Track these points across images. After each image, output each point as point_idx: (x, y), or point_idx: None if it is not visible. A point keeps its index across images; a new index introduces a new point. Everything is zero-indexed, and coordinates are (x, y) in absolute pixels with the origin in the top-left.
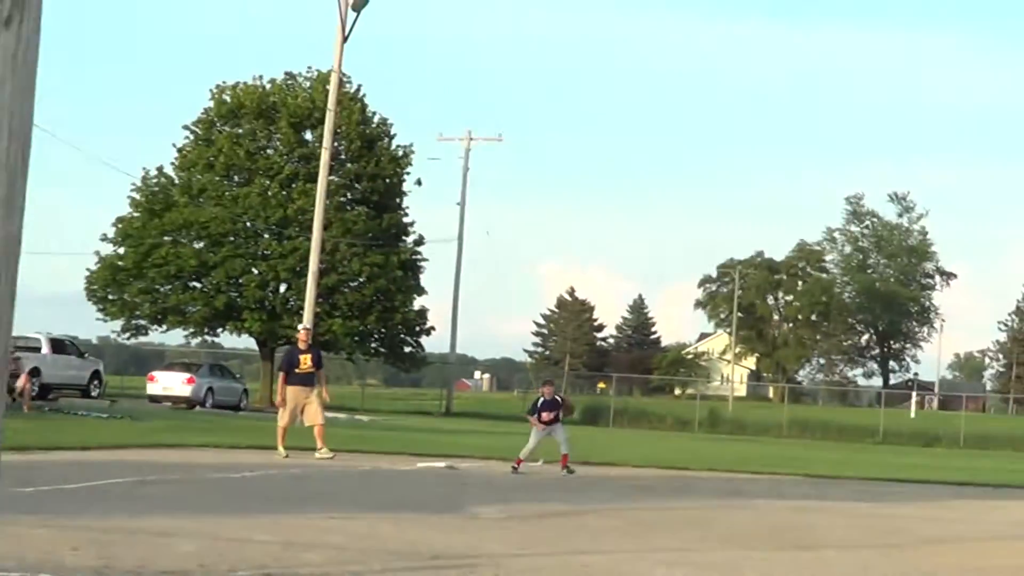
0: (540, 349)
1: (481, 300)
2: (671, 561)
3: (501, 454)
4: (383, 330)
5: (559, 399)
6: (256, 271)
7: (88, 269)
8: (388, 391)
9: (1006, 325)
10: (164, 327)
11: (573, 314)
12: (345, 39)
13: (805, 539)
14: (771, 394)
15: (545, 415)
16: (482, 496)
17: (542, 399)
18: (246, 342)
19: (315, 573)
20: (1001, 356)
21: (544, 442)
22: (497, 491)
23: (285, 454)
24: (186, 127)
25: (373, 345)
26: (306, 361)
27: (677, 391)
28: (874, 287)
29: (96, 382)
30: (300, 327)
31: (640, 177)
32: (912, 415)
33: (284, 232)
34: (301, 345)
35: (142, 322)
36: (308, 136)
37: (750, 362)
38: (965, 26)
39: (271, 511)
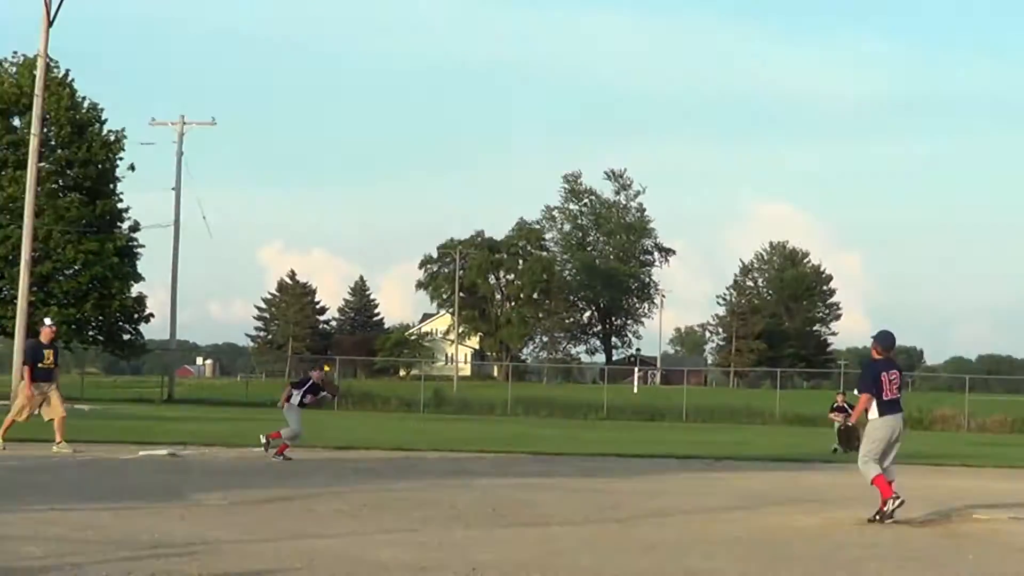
0: (262, 333)
1: (201, 286)
2: (397, 542)
3: (224, 440)
4: (101, 318)
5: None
6: None
7: None
8: (108, 379)
9: (724, 299)
10: None
11: (294, 297)
12: (50, 23)
13: (530, 516)
14: (495, 373)
15: (310, 398)
16: (205, 483)
17: (311, 383)
18: None
19: (35, 566)
20: (721, 330)
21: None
22: (220, 478)
23: (3, 446)
24: None
25: (91, 333)
26: (49, 356)
27: (402, 372)
28: (594, 264)
29: None
30: (47, 323)
31: (358, 159)
32: (635, 390)
33: None
34: (44, 340)
35: None
36: (16, 122)
37: (474, 342)
38: (675, 8)
39: None
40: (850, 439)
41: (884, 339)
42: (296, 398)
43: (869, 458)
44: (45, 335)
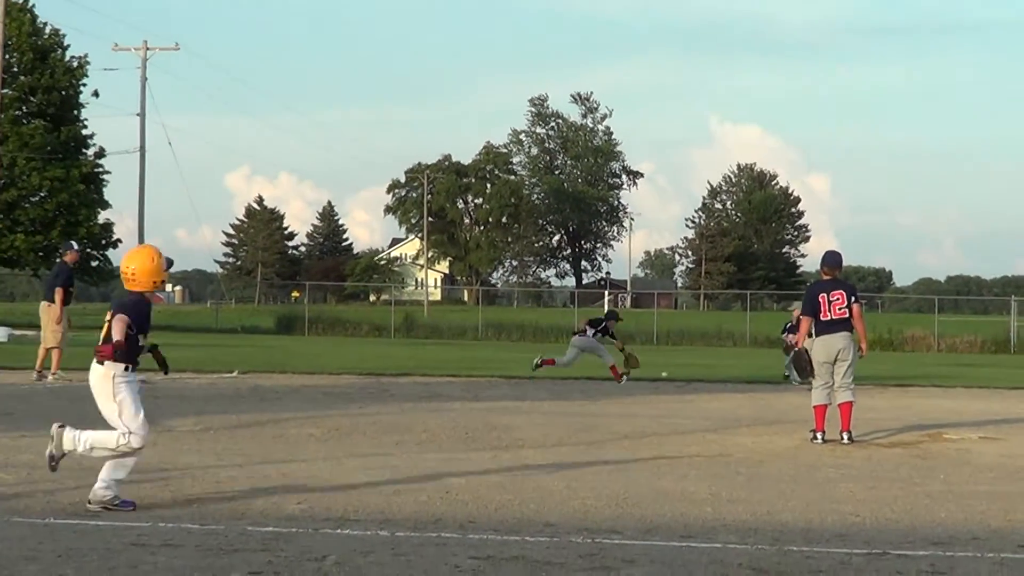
0: (231, 260)
1: (168, 212)
2: (369, 467)
3: (195, 366)
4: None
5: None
6: None
7: None
8: (78, 306)
9: (693, 222)
10: None
11: (263, 223)
12: None
13: (503, 439)
14: (466, 297)
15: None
16: (176, 409)
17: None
18: None
19: (6, 493)
20: (690, 253)
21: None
22: (191, 403)
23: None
24: None
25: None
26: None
27: (372, 297)
28: (563, 188)
29: None
30: (74, 247)
31: (323, 84)
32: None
33: None
34: (70, 262)
35: None
36: None
37: (443, 266)
38: None
39: None
40: (802, 367)
41: (828, 258)
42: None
43: (817, 383)
44: (71, 258)
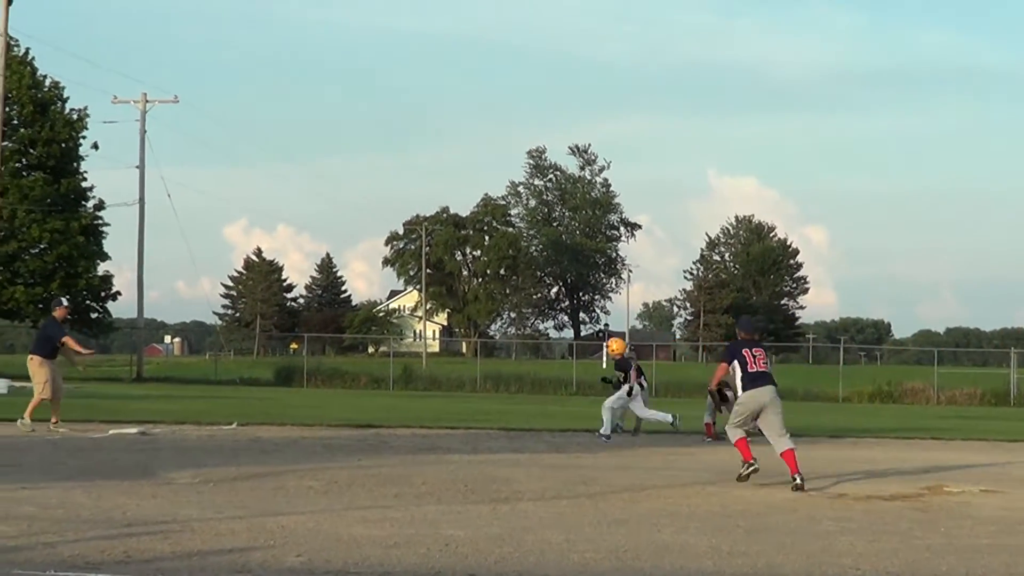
0: (230, 311)
1: (168, 264)
2: (369, 519)
3: (194, 418)
4: (67, 296)
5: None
6: None
7: None
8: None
9: (692, 274)
10: None
11: (261, 275)
12: (10, 2)
13: (502, 492)
14: (464, 349)
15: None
16: (175, 461)
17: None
18: None
19: (7, 545)
20: (688, 305)
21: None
22: (190, 456)
23: (32, 428)
24: None
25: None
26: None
27: (371, 349)
28: (561, 240)
29: None
30: (63, 303)
31: (321, 136)
32: (604, 365)
33: None
34: (59, 318)
35: None
36: None
37: (442, 318)
38: None
39: None
40: (719, 401)
41: (744, 325)
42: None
43: (733, 424)
44: (60, 314)
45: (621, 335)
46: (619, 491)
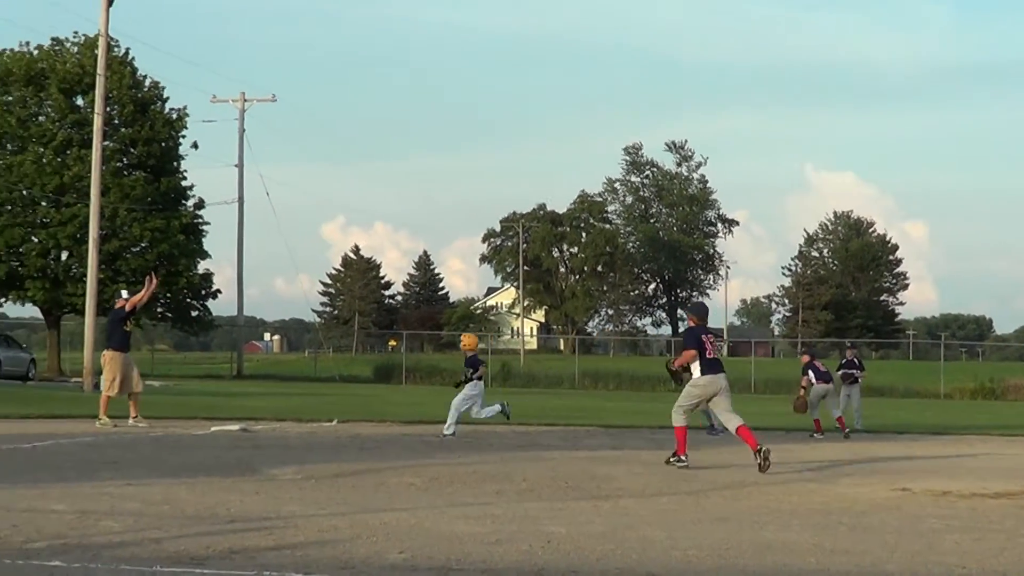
0: (328, 309)
1: (266, 262)
2: (470, 516)
3: (295, 415)
4: (168, 295)
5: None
6: (36, 239)
7: None
8: (178, 356)
9: (790, 270)
10: None
11: (359, 272)
12: (110, 3)
13: (602, 489)
14: (562, 346)
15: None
16: (277, 457)
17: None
18: (31, 311)
19: (113, 541)
20: (787, 301)
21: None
22: (292, 452)
23: (113, 424)
24: None
25: (159, 310)
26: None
27: None
28: (658, 236)
29: None
30: (123, 295)
31: (417, 133)
32: None
33: (62, 199)
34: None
35: None
36: (80, 102)
37: (539, 315)
38: None
39: (65, 480)
40: (678, 376)
41: (697, 309)
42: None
43: (682, 410)
44: (120, 304)
45: (719, 332)
46: (720, 488)
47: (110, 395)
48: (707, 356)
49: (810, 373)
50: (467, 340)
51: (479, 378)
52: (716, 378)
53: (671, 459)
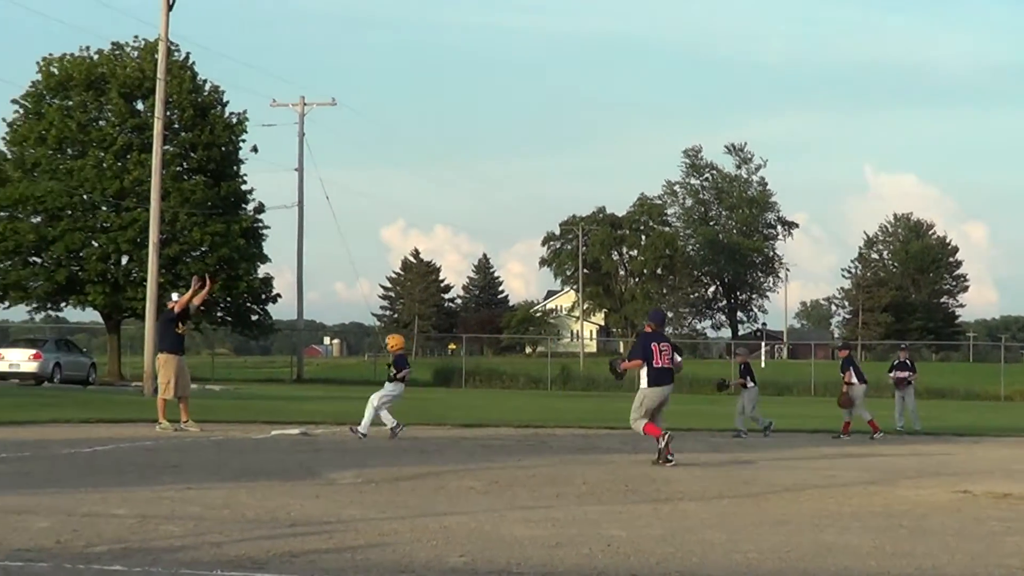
0: (388, 312)
1: (326, 265)
2: (530, 519)
3: (355, 419)
4: (229, 299)
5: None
6: (96, 244)
7: None
8: (238, 359)
9: (850, 272)
10: (6, 303)
11: (419, 276)
12: (170, 7)
13: (662, 492)
14: (621, 349)
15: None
16: (337, 461)
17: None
18: (91, 315)
19: (174, 545)
20: (847, 303)
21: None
22: (352, 456)
23: (174, 427)
24: (15, 101)
25: (219, 314)
26: (182, 327)
27: (528, 349)
28: (717, 239)
29: None
30: (174, 297)
31: (476, 136)
32: (762, 365)
33: (122, 204)
34: (176, 310)
35: None
36: (140, 106)
37: (599, 318)
38: None
39: (126, 484)
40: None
41: (653, 316)
42: None
43: (637, 416)
44: (171, 305)
45: (779, 334)
46: (780, 491)
47: (166, 398)
48: (654, 365)
49: (851, 371)
50: (392, 340)
51: (402, 379)
52: (663, 389)
53: (660, 449)
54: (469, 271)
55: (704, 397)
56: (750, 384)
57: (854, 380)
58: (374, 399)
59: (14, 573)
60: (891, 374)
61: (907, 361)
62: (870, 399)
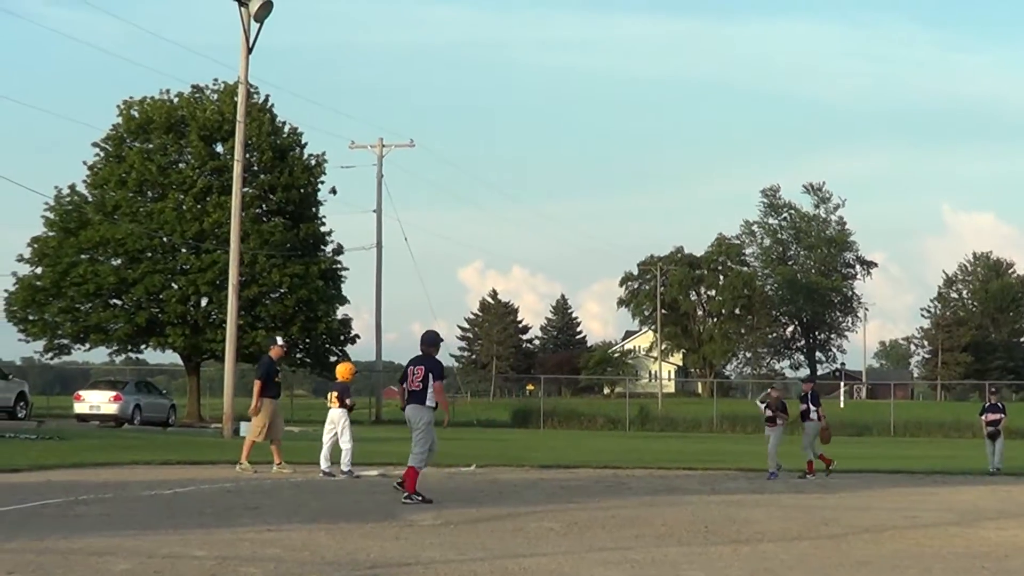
0: (466, 353)
1: (405, 306)
2: (609, 561)
3: (433, 461)
4: (307, 340)
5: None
6: (176, 286)
7: (6, 291)
8: (317, 401)
9: (929, 312)
10: (87, 345)
11: (497, 316)
12: (250, 50)
13: (742, 533)
14: (700, 389)
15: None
16: (416, 503)
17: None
18: (171, 357)
19: None
20: (926, 343)
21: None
22: (431, 497)
23: (253, 469)
24: (96, 144)
25: (298, 356)
26: (278, 375)
27: (606, 390)
28: (796, 279)
29: (22, 403)
30: (278, 341)
31: (553, 176)
32: (841, 405)
33: (201, 246)
34: (275, 357)
35: (64, 341)
36: (219, 148)
37: (677, 358)
38: (871, 18)
39: (205, 526)
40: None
41: (424, 337)
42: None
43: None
44: (276, 353)
45: (857, 374)
46: (860, 532)
47: (256, 440)
48: (406, 387)
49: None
50: (340, 370)
51: (349, 407)
52: (407, 409)
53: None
54: (547, 312)
55: (786, 438)
56: (779, 421)
57: (813, 416)
58: (344, 441)
59: None
60: (982, 416)
61: (999, 404)
62: (957, 439)
